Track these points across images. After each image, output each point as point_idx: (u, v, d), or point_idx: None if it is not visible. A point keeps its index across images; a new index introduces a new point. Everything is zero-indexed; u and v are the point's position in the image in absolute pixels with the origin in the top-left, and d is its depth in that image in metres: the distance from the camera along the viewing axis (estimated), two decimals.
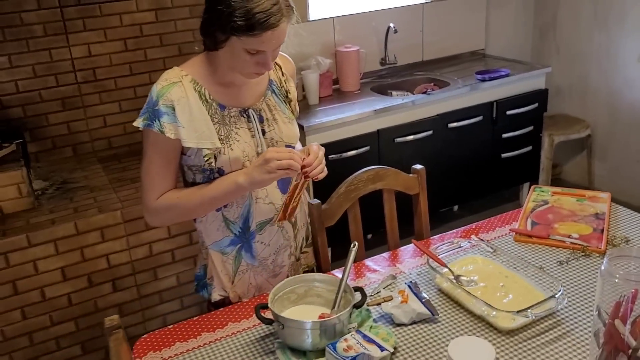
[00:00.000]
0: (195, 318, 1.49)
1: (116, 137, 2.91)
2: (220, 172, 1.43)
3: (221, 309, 1.50)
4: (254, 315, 1.44)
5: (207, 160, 1.41)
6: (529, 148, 3.54)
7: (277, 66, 1.53)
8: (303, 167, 1.36)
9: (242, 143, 1.43)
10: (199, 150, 1.41)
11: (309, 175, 1.36)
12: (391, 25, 3.39)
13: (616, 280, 1.07)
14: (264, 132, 1.46)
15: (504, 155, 3.45)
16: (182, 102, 1.39)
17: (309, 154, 1.38)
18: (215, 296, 1.54)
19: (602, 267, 1.11)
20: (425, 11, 3.58)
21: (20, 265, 2.17)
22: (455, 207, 3.67)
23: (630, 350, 1.09)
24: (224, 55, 1.35)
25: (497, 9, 3.84)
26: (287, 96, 1.53)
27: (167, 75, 1.42)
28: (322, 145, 1.47)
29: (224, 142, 1.42)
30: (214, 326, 1.44)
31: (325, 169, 1.41)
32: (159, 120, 1.37)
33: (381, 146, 3.04)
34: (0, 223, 2.23)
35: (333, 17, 3.27)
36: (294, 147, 1.51)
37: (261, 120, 1.46)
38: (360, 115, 2.95)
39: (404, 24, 3.47)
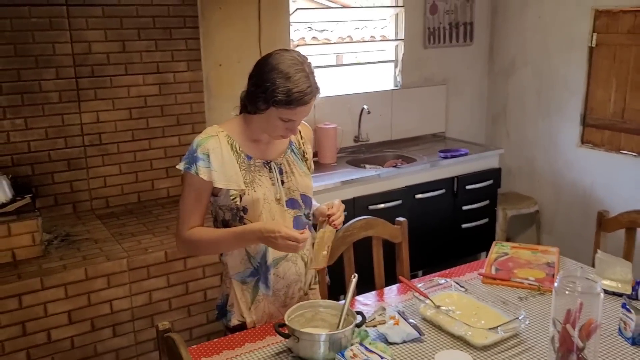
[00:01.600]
0: (215, 340, 1.71)
1: (114, 196, 3.13)
2: (244, 211, 1.71)
3: (239, 332, 1.74)
4: (267, 337, 1.70)
5: (233, 199, 1.70)
6: (486, 220, 3.94)
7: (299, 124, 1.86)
8: (329, 216, 1.71)
9: (263, 187, 1.73)
10: (227, 191, 1.70)
11: (335, 224, 1.70)
12: (365, 107, 3.83)
13: (566, 293, 1.39)
14: (282, 182, 1.77)
15: (464, 225, 3.84)
16: (216, 152, 1.69)
17: (332, 207, 1.72)
18: (234, 321, 1.78)
19: (556, 285, 1.43)
20: (394, 96, 4.07)
21: (31, 307, 2.32)
22: (420, 273, 3.98)
23: (578, 350, 1.40)
24: (259, 119, 1.68)
25: (455, 97, 4.37)
26: (304, 155, 1.85)
27: (207, 130, 1.73)
28: None
29: (248, 185, 1.71)
30: (233, 345, 1.68)
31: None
32: (196, 165, 1.67)
33: (357, 212, 3.36)
34: (13, 268, 2.40)
35: None
36: (308, 196, 1.82)
37: (281, 172, 1.77)
38: (337, 184, 3.29)
39: (376, 106, 3.93)
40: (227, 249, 1.77)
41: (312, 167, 1.88)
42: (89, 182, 3.07)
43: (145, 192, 3.22)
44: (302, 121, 1.84)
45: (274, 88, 1.59)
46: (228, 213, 1.73)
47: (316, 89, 1.65)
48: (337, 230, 1.78)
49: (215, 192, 1.71)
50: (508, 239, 4.28)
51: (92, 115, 3.01)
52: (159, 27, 3.08)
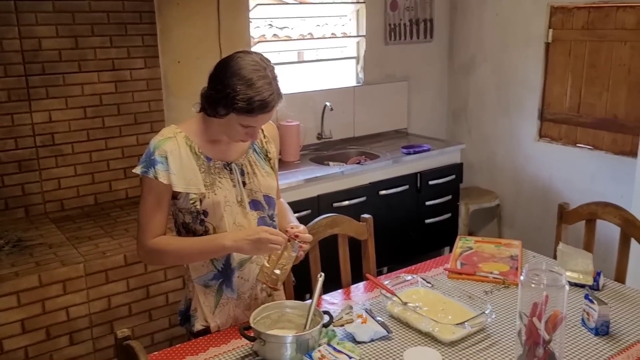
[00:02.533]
0: (178, 345, 1.65)
1: (69, 199, 3.02)
2: (205, 214, 1.66)
3: (202, 336, 1.68)
4: (232, 340, 1.65)
5: (193, 203, 1.64)
6: (449, 215, 3.97)
7: (260, 129, 1.80)
8: (296, 235, 1.63)
9: (224, 190, 1.68)
10: (187, 195, 1.64)
11: (301, 246, 1.63)
12: (327, 104, 3.80)
13: (532, 286, 1.39)
14: (244, 184, 1.72)
15: (427, 220, 3.86)
16: (175, 154, 1.63)
17: (298, 228, 1.67)
18: (198, 326, 1.72)
19: (522, 278, 1.43)
20: (356, 93, 4.05)
21: None
22: (385, 269, 3.98)
23: (544, 343, 1.40)
24: (218, 122, 1.61)
25: (417, 93, 4.39)
26: (267, 155, 1.79)
27: (164, 131, 1.66)
28: None
29: (209, 188, 1.66)
30: (197, 350, 1.62)
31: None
32: (154, 168, 1.60)
33: (321, 210, 3.33)
34: None
35: None
36: (272, 197, 1.77)
37: (242, 174, 1.72)
38: (301, 182, 3.26)
39: (339, 103, 3.91)
40: (191, 261, 1.71)
41: (277, 166, 1.83)
42: (42, 185, 2.94)
43: (103, 193, 3.11)
44: None
45: (235, 95, 1.53)
46: (188, 216, 1.67)
47: (278, 96, 1.59)
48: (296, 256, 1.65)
49: (174, 195, 1.65)
50: (470, 233, 4.34)
51: (44, 115, 2.89)
52: (113, 22, 2.98)
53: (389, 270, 3.96)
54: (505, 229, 4.29)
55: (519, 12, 3.92)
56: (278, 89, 1.59)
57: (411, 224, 3.78)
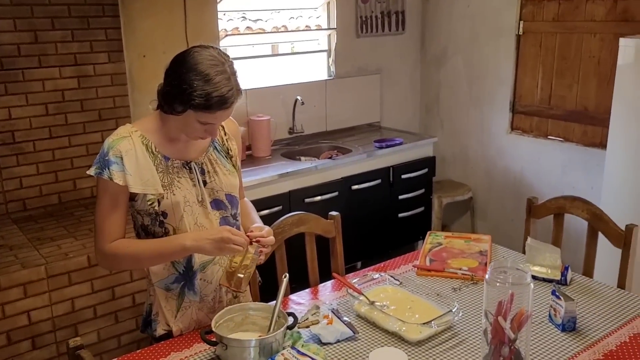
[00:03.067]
0: (139, 351, 1.60)
1: (32, 198, 2.93)
2: (164, 215, 1.60)
3: (164, 341, 1.63)
4: (195, 344, 1.60)
5: (150, 204, 1.58)
6: (422, 209, 3.96)
7: (220, 126, 1.74)
8: (258, 240, 1.58)
9: (183, 190, 1.62)
10: (145, 196, 1.58)
11: (261, 250, 1.59)
12: (298, 98, 3.75)
13: (497, 284, 1.37)
14: (205, 183, 1.66)
15: (400, 214, 3.84)
16: (130, 154, 1.56)
17: (262, 230, 1.62)
18: (160, 331, 1.66)
19: (487, 277, 1.41)
20: (328, 87, 4.01)
21: None
22: (359, 264, 3.96)
23: (510, 342, 1.38)
24: (176, 119, 1.55)
25: (389, 86, 4.36)
26: (228, 152, 1.74)
27: (118, 130, 1.60)
28: None
29: (167, 188, 1.60)
30: (157, 356, 1.57)
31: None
32: (108, 169, 1.54)
33: (292, 206, 3.29)
34: None
35: (246, 90, 3.54)
36: (234, 196, 1.72)
37: (202, 173, 1.66)
38: (272, 178, 3.21)
39: (310, 97, 3.86)
40: (152, 264, 1.65)
41: (239, 164, 1.78)
42: (3, 184, 2.85)
43: (67, 192, 3.03)
44: None
45: (192, 91, 1.47)
46: (147, 218, 1.61)
47: (238, 92, 1.53)
48: (258, 257, 1.61)
49: (132, 197, 1.59)
50: (444, 227, 4.33)
51: (3, 112, 2.80)
52: (75, 15, 2.89)
53: (363, 265, 3.95)
54: (479, 221, 4.30)
55: (490, 4, 3.90)
56: (237, 84, 1.54)
57: (384, 218, 3.76)
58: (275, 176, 3.22)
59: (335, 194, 3.45)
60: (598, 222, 2.05)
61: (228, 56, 1.56)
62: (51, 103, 2.91)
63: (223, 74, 1.50)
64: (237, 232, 1.57)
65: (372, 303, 1.73)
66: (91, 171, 1.56)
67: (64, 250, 2.47)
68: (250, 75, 3.71)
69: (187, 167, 1.64)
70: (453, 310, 1.64)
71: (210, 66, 1.49)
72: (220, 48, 1.60)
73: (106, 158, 1.55)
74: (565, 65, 3.55)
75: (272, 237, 1.64)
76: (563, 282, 1.90)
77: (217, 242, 1.53)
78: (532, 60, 3.73)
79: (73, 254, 2.44)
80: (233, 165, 1.74)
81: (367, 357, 1.51)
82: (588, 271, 2.06)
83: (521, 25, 3.73)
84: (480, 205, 4.26)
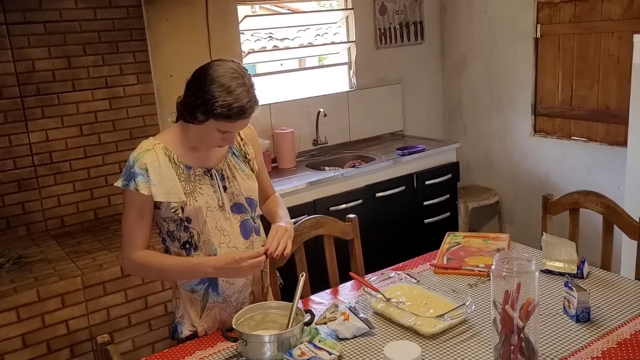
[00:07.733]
0: (165, 350, 1.69)
1: (69, 215, 3.08)
2: (188, 221, 1.70)
3: (189, 341, 1.72)
4: (218, 343, 1.69)
5: (174, 211, 1.69)
6: (448, 214, 3.98)
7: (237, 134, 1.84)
8: (266, 253, 1.69)
9: (205, 196, 1.72)
10: (168, 204, 1.68)
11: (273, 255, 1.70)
12: (321, 110, 3.84)
13: (503, 274, 1.41)
14: (225, 188, 1.76)
15: (426, 220, 3.87)
16: (154, 165, 1.67)
17: (277, 232, 1.73)
18: (186, 332, 1.76)
19: (493, 267, 1.45)
20: (350, 98, 4.09)
21: None
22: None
23: (519, 330, 1.42)
24: (196, 129, 1.66)
25: (411, 95, 4.42)
26: (245, 157, 1.84)
27: (142, 144, 1.71)
28: None
29: (189, 196, 1.70)
30: (183, 354, 1.66)
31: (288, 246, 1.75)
32: (134, 180, 1.65)
33: (317, 214, 3.36)
34: None
35: (269, 104, 3.69)
36: (253, 199, 1.81)
37: (222, 178, 1.76)
38: (297, 187, 3.29)
39: (332, 109, 3.95)
40: (175, 279, 1.77)
41: (256, 167, 1.87)
42: (42, 202, 3.01)
43: (102, 208, 3.17)
44: None
45: (214, 101, 1.57)
46: (172, 224, 1.71)
47: (255, 102, 1.63)
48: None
49: (157, 205, 1.70)
50: (471, 231, 4.33)
51: (41, 134, 2.96)
52: (104, 41, 3.05)
53: None
54: (506, 225, 4.28)
55: (507, 9, 3.94)
56: (255, 96, 1.64)
57: (410, 225, 3.80)
58: (300, 185, 3.31)
59: (360, 201, 3.51)
60: (612, 214, 2.06)
61: (246, 70, 1.66)
62: (85, 124, 3.07)
63: (243, 86, 1.60)
64: (250, 254, 1.65)
65: (389, 300, 1.79)
66: (118, 183, 1.67)
67: (99, 262, 2.60)
68: (275, 90, 3.83)
69: (208, 174, 1.74)
70: (466, 304, 1.68)
71: (231, 79, 1.59)
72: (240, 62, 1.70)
73: (132, 170, 1.66)
74: (584, 65, 3.55)
75: (285, 239, 1.72)
76: (580, 275, 1.92)
77: (235, 270, 1.64)
78: (551, 62, 3.74)
79: (107, 265, 2.56)
80: (251, 169, 1.83)
81: (382, 351, 1.57)
82: (605, 264, 2.07)
83: (539, 29, 3.75)
84: (507, 209, 4.26)
